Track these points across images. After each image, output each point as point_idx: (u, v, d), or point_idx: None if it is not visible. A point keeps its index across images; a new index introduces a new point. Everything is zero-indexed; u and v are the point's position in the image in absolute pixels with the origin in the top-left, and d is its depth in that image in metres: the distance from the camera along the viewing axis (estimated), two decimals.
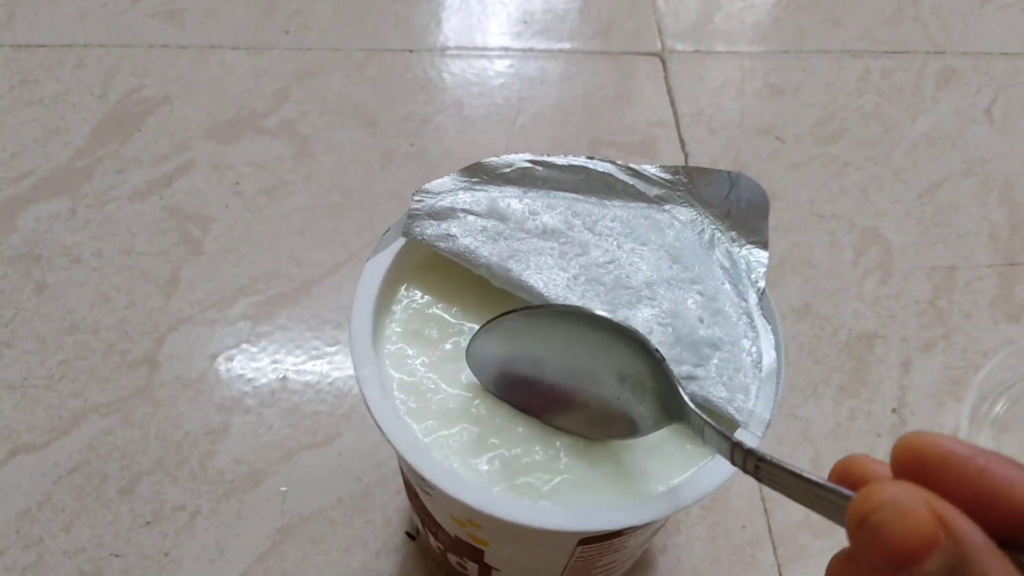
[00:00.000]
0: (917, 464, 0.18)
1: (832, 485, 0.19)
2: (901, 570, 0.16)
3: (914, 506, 0.17)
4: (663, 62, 0.62)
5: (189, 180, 0.53)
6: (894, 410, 0.47)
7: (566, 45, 0.63)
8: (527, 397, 0.30)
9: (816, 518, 0.43)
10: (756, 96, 0.61)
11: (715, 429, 0.25)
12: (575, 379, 0.29)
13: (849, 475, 0.20)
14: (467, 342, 0.30)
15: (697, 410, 0.26)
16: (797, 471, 0.21)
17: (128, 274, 0.49)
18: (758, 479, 0.23)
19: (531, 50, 0.62)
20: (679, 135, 0.58)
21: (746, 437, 0.28)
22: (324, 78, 0.59)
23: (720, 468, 0.27)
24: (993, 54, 0.65)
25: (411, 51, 0.61)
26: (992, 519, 0.17)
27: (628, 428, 0.29)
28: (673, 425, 0.28)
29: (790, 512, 0.43)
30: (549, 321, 0.29)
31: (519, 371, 0.30)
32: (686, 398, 0.27)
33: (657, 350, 0.27)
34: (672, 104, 0.60)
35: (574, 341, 0.29)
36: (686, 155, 0.57)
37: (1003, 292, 0.52)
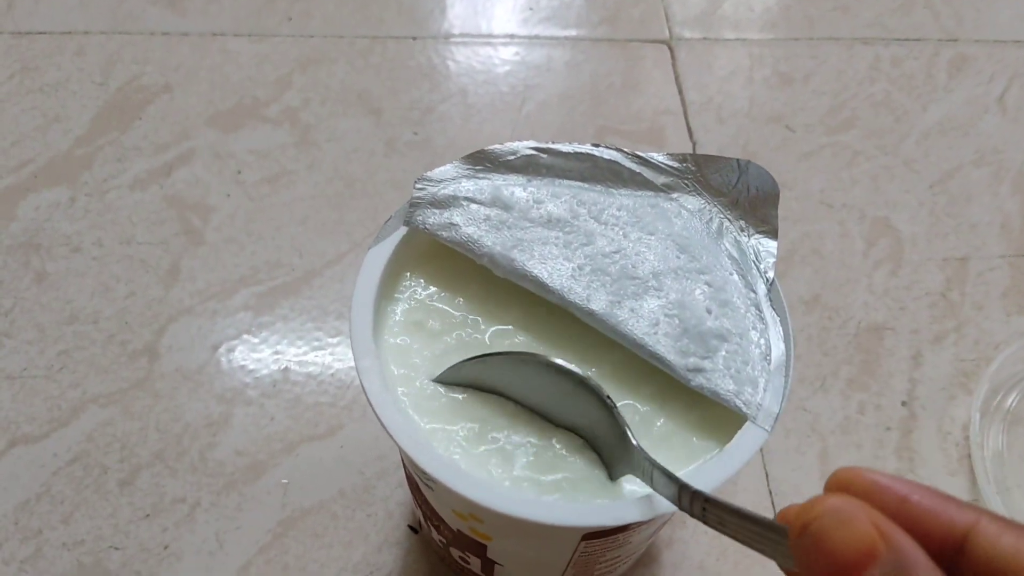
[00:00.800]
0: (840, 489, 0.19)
1: (779, 524, 0.19)
2: None
3: (856, 516, 0.17)
4: (671, 49, 0.61)
5: (190, 169, 0.53)
6: (904, 403, 0.46)
7: (572, 32, 0.62)
8: None
9: None
10: (765, 84, 0.60)
11: (663, 472, 0.25)
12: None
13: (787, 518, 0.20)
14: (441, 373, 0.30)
15: (646, 454, 0.26)
16: (742, 511, 0.20)
17: (128, 264, 0.48)
18: (705, 521, 0.22)
19: (537, 37, 0.62)
20: (687, 124, 0.57)
21: (755, 431, 0.27)
22: (327, 66, 0.58)
23: (726, 463, 0.27)
24: (1006, 42, 0.64)
25: (415, 38, 0.60)
26: None
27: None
28: (629, 475, 0.27)
29: None
30: (507, 366, 0.28)
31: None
32: (635, 442, 0.26)
33: (608, 397, 0.27)
34: (680, 92, 0.59)
35: (536, 386, 0.28)
36: (694, 144, 0.56)
37: (1015, 283, 0.51)
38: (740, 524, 0.21)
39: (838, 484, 0.19)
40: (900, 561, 0.16)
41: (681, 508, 0.24)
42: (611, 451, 0.28)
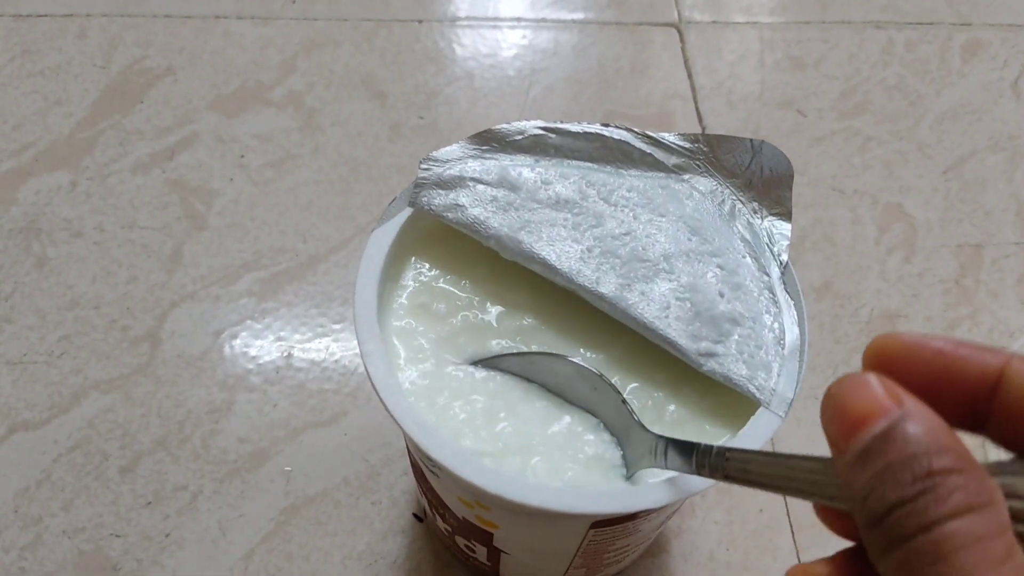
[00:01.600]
0: (883, 360, 0.20)
1: (805, 455, 0.19)
2: (851, 437, 0.17)
3: (868, 380, 0.18)
4: (680, 33, 0.61)
5: (193, 153, 0.52)
6: None
7: (580, 15, 0.61)
8: None
9: None
10: (776, 68, 0.59)
11: (676, 443, 0.24)
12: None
13: None
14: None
15: (654, 433, 0.26)
16: (765, 452, 0.21)
17: (130, 249, 0.48)
18: (728, 477, 0.22)
19: (544, 20, 0.61)
20: (696, 108, 0.56)
21: (768, 417, 0.27)
22: (332, 49, 0.57)
23: None
24: (1021, 26, 0.63)
25: (421, 21, 0.60)
26: (953, 396, 0.19)
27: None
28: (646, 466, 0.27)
29: None
30: (525, 360, 0.29)
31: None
32: (640, 423, 0.26)
33: (619, 391, 0.27)
34: (689, 76, 0.58)
35: (552, 372, 0.29)
36: (703, 128, 0.55)
37: None
38: (766, 464, 0.20)
39: (874, 350, 0.20)
40: (904, 415, 0.17)
41: (701, 474, 0.23)
42: (624, 439, 0.27)
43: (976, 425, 0.19)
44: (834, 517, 0.21)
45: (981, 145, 0.56)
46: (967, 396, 0.19)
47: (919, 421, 0.17)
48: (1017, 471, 0.17)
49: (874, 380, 0.17)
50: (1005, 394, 0.18)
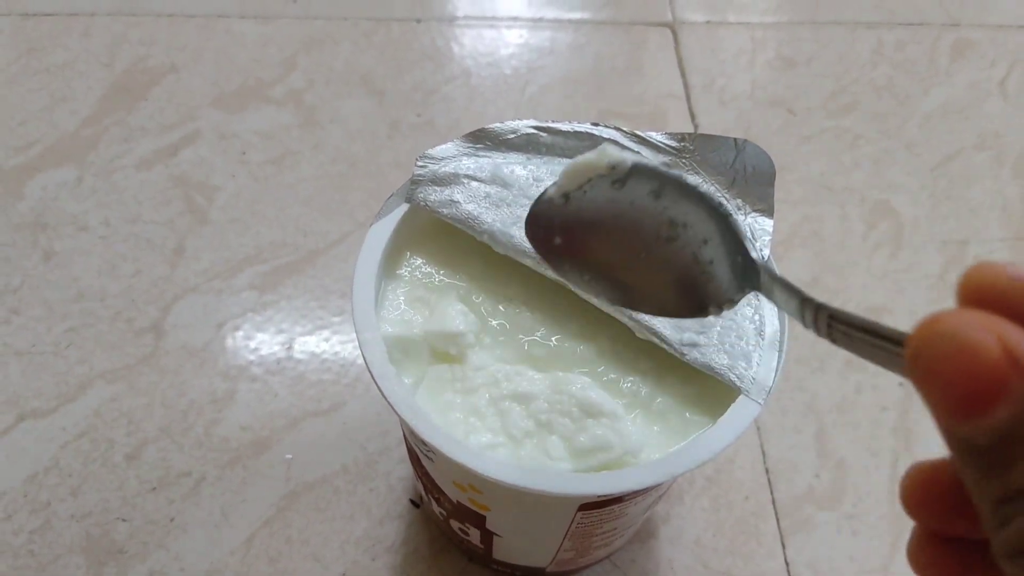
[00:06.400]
0: (976, 295, 0.15)
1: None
2: (965, 420, 0.13)
3: (981, 340, 0.13)
4: (674, 33, 0.62)
5: (195, 149, 0.53)
6: (901, 384, 0.47)
7: (576, 15, 0.62)
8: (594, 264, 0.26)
9: (820, 489, 0.43)
10: (768, 68, 0.60)
11: (785, 284, 0.22)
12: (646, 244, 0.25)
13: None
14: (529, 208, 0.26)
15: (768, 266, 0.23)
16: (871, 325, 0.18)
17: (134, 243, 0.49)
18: (832, 340, 0.20)
19: (541, 20, 0.62)
20: (689, 107, 0.58)
21: (748, 404, 0.28)
22: (331, 47, 0.59)
23: (719, 435, 0.27)
24: (1008, 27, 0.64)
25: (419, 20, 0.61)
26: None
27: (701, 302, 0.24)
28: (747, 294, 0.23)
29: (794, 483, 0.43)
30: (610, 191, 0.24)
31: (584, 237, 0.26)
32: (755, 255, 0.23)
33: (721, 205, 0.23)
34: (683, 75, 0.59)
35: (638, 206, 0.24)
36: (696, 127, 0.57)
37: None
38: (869, 341, 0.18)
39: (971, 287, 0.15)
40: None
41: (805, 325, 0.21)
42: (725, 269, 0.24)
43: None
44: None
45: (968, 143, 0.57)
46: None
47: None
48: None
49: (988, 340, 0.13)
50: None
